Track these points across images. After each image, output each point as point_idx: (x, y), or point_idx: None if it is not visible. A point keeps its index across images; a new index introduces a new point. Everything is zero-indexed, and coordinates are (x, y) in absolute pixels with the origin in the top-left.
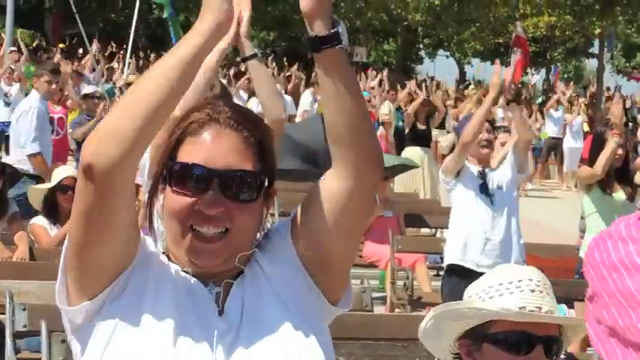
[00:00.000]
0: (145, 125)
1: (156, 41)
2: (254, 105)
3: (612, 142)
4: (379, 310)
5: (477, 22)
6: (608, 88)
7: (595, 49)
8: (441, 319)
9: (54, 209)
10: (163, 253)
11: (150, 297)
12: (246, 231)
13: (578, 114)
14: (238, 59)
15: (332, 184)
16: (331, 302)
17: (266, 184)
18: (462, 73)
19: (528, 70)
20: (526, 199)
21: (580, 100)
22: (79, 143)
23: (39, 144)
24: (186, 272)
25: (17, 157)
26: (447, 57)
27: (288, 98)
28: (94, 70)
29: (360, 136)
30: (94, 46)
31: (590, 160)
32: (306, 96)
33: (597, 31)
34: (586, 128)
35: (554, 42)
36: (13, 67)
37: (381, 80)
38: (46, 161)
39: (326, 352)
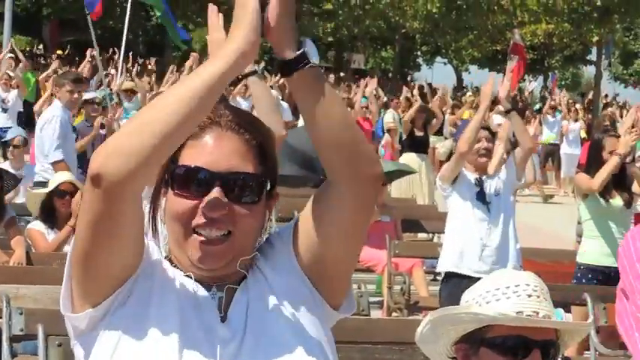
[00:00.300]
0: (159, 145)
1: (154, 48)
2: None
3: (614, 159)
4: (376, 314)
5: (475, 29)
6: (606, 95)
7: (593, 57)
8: (438, 323)
9: (51, 214)
10: (166, 257)
11: (154, 308)
12: (248, 233)
13: (576, 120)
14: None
15: (328, 195)
16: (333, 307)
17: (268, 186)
18: (460, 80)
19: (526, 77)
20: (523, 205)
21: (577, 106)
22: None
23: (62, 152)
24: (189, 277)
25: (42, 166)
26: (445, 64)
27: (285, 105)
28: (92, 77)
29: (350, 145)
30: (93, 53)
31: (587, 166)
32: None
33: (595, 38)
34: (583, 134)
35: (552, 49)
36: (11, 73)
37: (376, 89)
38: (69, 169)
39: None
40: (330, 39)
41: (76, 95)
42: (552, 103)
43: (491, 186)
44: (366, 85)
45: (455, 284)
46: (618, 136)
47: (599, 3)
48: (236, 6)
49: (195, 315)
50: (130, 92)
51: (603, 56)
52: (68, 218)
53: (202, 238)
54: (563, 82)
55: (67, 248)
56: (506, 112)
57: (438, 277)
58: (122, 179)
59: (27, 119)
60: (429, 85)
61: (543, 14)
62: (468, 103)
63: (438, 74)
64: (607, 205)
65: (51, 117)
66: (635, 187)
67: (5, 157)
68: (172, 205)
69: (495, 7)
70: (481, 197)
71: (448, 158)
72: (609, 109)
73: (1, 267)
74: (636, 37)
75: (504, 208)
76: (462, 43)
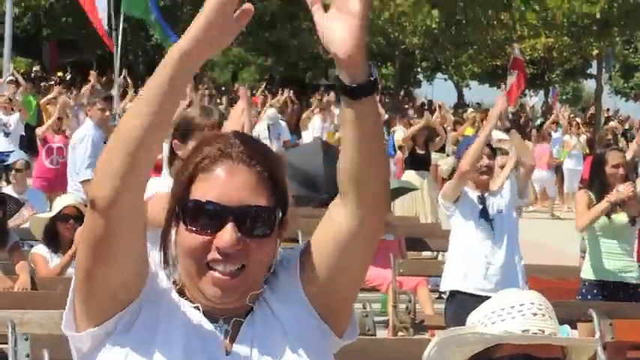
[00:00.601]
0: (130, 162)
1: (154, 68)
2: (261, 129)
3: (604, 204)
4: (382, 333)
5: (475, 44)
6: (608, 109)
7: (593, 70)
8: (444, 345)
9: (55, 238)
10: (175, 284)
11: (161, 336)
12: (262, 265)
13: (578, 135)
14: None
15: (340, 224)
16: (337, 335)
17: (279, 216)
18: (461, 95)
19: (526, 92)
20: (527, 221)
21: (577, 120)
22: None
23: (92, 171)
24: (197, 308)
25: (74, 186)
26: (445, 80)
27: (284, 124)
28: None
29: (378, 179)
30: (92, 78)
31: (590, 181)
32: (317, 122)
33: (595, 52)
34: (585, 149)
35: (552, 63)
36: (10, 97)
37: None
38: None
39: None
40: (330, 56)
41: (107, 113)
42: (554, 117)
43: (494, 204)
44: None
45: (460, 303)
46: (621, 150)
47: (598, 16)
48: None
49: (200, 345)
50: None
51: (604, 70)
52: (72, 242)
53: (217, 274)
54: (564, 97)
55: (71, 271)
56: (506, 131)
57: (443, 295)
58: (110, 201)
59: (29, 143)
60: (430, 101)
61: (543, 28)
62: (470, 120)
63: (439, 90)
64: (609, 222)
65: (83, 136)
66: None
67: (8, 182)
68: (185, 240)
69: (495, 22)
70: (484, 215)
71: (450, 176)
72: (611, 123)
73: (5, 292)
74: (636, 50)
75: (508, 226)
76: (462, 59)
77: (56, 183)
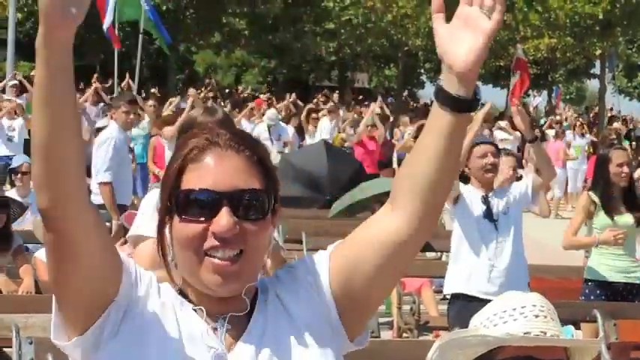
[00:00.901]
0: (44, 164)
1: (157, 71)
2: (262, 130)
3: (592, 239)
4: (386, 335)
5: None
6: (611, 108)
7: (596, 70)
8: (446, 348)
9: None
10: (176, 289)
11: (155, 337)
12: (259, 250)
13: (582, 135)
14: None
15: (389, 231)
16: (349, 339)
17: (272, 201)
18: None
19: (530, 92)
20: (530, 220)
21: (580, 120)
22: None
23: (111, 174)
24: (194, 310)
25: (95, 187)
26: None
27: (284, 125)
28: (97, 103)
29: (443, 193)
30: (96, 81)
31: (594, 181)
32: (325, 123)
33: (598, 52)
34: (590, 149)
35: (555, 64)
36: (18, 100)
37: (381, 107)
38: (114, 193)
39: None
40: (333, 58)
41: (132, 116)
42: (557, 117)
43: (499, 204)
44: (382, 109)
45: (463, 304)
46: (624, 149)
47: (601, 16)
48: None
49: (198, 344)
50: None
51: (607, 69)
52: None
53: (216, 260)
54: (567, 97)
55: None
56: (532, 140)
57: (448, 296)
58: (50, 211)
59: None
60: (432, 102)
61: (546, 29)
62: (477, 119)
63: None
64: (613, 224)
65: (106, 138)
66: None
67: (12, 185)
68: (181, 232)
69: None
70: (488, 215)
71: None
72: (615, 124)
73: (9, 296)
74: (639, 49)
75: (512, 226)
76: None
77: None
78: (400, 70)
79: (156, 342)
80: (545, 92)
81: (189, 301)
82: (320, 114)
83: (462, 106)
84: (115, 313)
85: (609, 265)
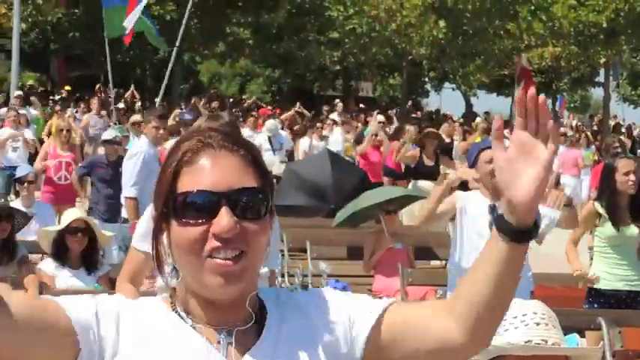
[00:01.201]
0: None
1: (161, 81)
2: (262, 140)
3: (579, 277)
4: None
5: (482, 54)
6: (615, 116)
7: (601, 78)
8: None
9: (63, 251)
10: (171, 298)
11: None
12: (260, 250)
13: (587, 146)
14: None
15: (439, 331)
16: None
17: (270, 199)
18: (469, 105)
19: None
20: None
21: (587, 133)
22: None
23: (137, 189)
24: (194, 327)
25: (123, 201)
26: (453, 89)
27: (284, 133)
28: (102, 114)
29: (500, 314)
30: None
31: (600, 191)
32: (336, 136)
33: (602, 60)
34: (595, 157)
35: (560, 72)
36: (22, 111)
37: (388, 117)
38: (138, 208)
39: None
40: (337, 67)
41: (161, 131)
42: (562, 130)
43: None
44: (388, 118)
45: None
46: (630, 158)
47: (605, 25)
48: None
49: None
50: (138, 125)
51: (611, 77)
52: (79, 256)
53: (218, 261)
54: (571, 105)
55: (81, 284)
56: (567, 205)
57: None
58: None
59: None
60: (437, 111)
61: (550, 37)
62: (480, 129)
63: (447, 100)
64: (619, 234)
65: (136, 152)
66: None
67: (17, 195)
68: (181, 236)
69: (502, 32)
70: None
71: (459, 185)
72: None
73: None
74: None
75: None
76: (469, 69)
77: (64, 196)
78: (404, 79)
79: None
80: (549, 101)
81: (190, 314)
82: (327, 122)
83: (523, 237)
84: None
85: (610, 274)
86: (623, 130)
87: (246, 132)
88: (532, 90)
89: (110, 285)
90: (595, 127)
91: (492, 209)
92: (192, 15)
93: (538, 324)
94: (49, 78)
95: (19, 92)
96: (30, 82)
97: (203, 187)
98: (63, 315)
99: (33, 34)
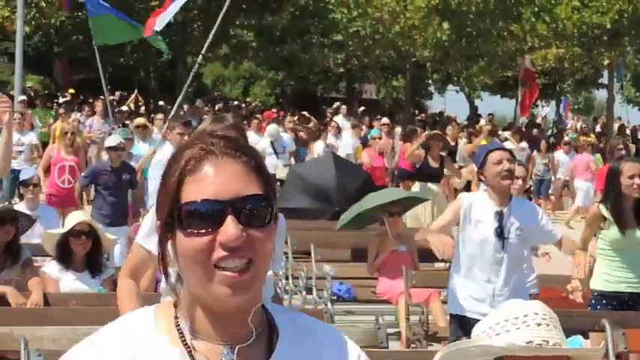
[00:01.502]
0: None
1: (165, 84)
2: (265, 144)
3: (575, 289)
4: (395, 345)
5: (485, 56)
6: (620, 118)
7: (604, 80)
8: (449, 359)
9: (67, 254)
10: (178, 327)
11: None
12: (266, 257)
13: (592, 153)
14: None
15: None
16: None
17: (274, 205)
18: (473, 107)
19: (538, 102)
20: None
21: (590, 141)
22: None
23: None
24: (194, 347)
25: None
26: (457, 91)
27: (286, 136)
28: (106, 116)
29: None
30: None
31: (605, 194)
32: (347, 139)
33: (606, 61)
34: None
35: (564, 74)
36: (24, 111)
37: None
38: None
39: None
40: (341, 70)
41: (186, 137)
42: (566, 139)
43: (513, 223)
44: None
45: (463, 325)
46: (635, 161)
47: (608, 26)
48: None
49: None
50: (143, 128)
51: (615, 79)
52: (84, 258)
53: (226, 272)
54: (575, 107)
55: (84, 287)
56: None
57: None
58: None
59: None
60: (441, 113)
61: (553, 39)
62: (485, 132)
63: (451, 102)
64: (623, 238)
65: (161, 159)
66: None
67: (21, 198)
68: (187, 246)
69: (505, 34)
70: (499, 232)
71: (464, 187)
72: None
73: (18, 309)
74: None
75: (521, 247)
76: (473, 70)
77: (68, 200)
78: (408, 81)
79: None
80: (553, 102)
81: (194, 326)
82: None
83: None
84: None
85: (616, 276)
86: (628, 132)
87: (250, 135)
88: None
89: (114, 288)
90: (600, 130)
91: (499, 216)
92: (195, 17)
93: (539, 325)
94: (53, 81)
95: (23, 97)
96: (29, 84)
97: (207, 196)
98: None
99: (36, 37)
